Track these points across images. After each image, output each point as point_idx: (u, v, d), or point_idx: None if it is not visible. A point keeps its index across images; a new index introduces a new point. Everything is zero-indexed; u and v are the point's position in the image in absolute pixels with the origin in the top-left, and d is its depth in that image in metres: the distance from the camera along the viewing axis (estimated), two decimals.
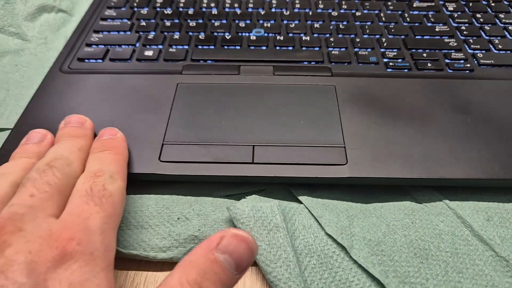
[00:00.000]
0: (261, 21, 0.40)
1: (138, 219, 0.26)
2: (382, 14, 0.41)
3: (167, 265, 0.25)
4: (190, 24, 0.40)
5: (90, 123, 0.28)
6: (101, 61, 0.36)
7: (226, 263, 0.19)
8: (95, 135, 0.28)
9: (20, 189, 0.21)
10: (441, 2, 0.43)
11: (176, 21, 0.40)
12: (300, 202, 0.27)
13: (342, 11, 0.42)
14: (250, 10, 0.42)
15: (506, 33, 0.38)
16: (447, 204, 0.27)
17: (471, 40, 0.37)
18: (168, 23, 0.40)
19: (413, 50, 0.36)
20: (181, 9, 0.42)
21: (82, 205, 0.21)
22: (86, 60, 0.36)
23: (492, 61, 0.35)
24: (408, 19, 0.40)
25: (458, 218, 0.26)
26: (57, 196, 0.21)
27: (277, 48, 0.37)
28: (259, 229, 0.24)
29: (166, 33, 0.39)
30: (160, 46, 0.37)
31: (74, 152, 0.25)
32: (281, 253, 0.23)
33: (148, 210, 0.26)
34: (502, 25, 0.39)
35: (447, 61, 0.35)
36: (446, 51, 0.36)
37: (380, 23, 0.40)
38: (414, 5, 0.42)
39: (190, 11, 0.42)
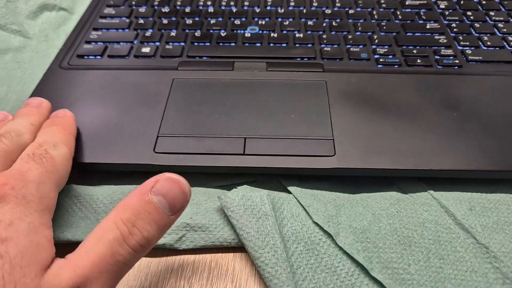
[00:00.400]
0: (256, 19, 0.41)
1: None
2: (375, 12, 0.42)
3: (160, 251, 0.26)
4: (187, 22, 0.41)
5: (47, 104, 0.30)
6: (99, 57, 0.37)
7: (160, 204, 0.20)
8: None
9: None
10: (433, 0, 0.44)
11: (173, 19, 0.41)
12: (290, 192, 0.28)
13: (336, 9, 0.43)
14: (245, 8, 0.43)
15: (496, 30, 0.39)
16: (432, 194, 0.27)
17: (460, 37, 0.38)
18: (165, 21, 0.41)
19: (404, 47, 0.37)
20: (178, 7, 0.43)
21: (23, 164, 0.23)
22: (85, 57, 0.37)
23: (481, 58, 0.36)
24: (400, 17, 0.41)
25: (442, 208, 0.27)
26: (3, 159, 0.24)
27: (271, 45, 0.38)
28: (249, 217, 0.25)
29: (163, 31, 0.40)
30: (157, 43, 0.38)
31: (26, 126, 0.27)
32: (269, 240, 0.24)
33: None
34: (492, 22, 0.40)
35: (436, 57, 0.36)
36: (436, 47, 0.37)
37: (373, 21, 0.41)
38: (407, 3, 0.43)
39: (187, 9, 0.43)
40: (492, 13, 0.41)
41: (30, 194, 0.21)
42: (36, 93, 0.33)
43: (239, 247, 0.26)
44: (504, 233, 0.25)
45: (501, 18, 0.40)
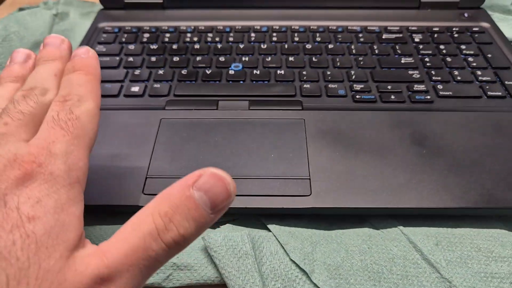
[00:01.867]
0: (240, 56, 0.44)
1: None
2: (353, 46, 0.44)
3: None
4: (174, 59, 0.43)
5: (67, 43, 0.29)
6: None
7: (201, 200, 0.19)
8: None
9: None
10: (409, 34, 0.46)
11: (161, 56, 0.44)
12: (270, 230, 0.30)
13: (316, 43, 0.45)
14: (230, 44, 0.45)
15: (466, 64, 0.41)
16: (401, 230, 0.30)
17: (433, 72, 0.40)
18: (153, 58, 0.43)
19: (379, 83, 0.39)
20: (166, 44, 0.45)
21: (49, 130, 0.22)
22: None
23: (451, 93, 0.38)
24: (377, 51, 0.43)
25: (410, 243, 0.29)
26: (31, 123, 0.23)
27: (254, 82, 0.40)
28: (230, 256, 0.27)
29: (151, 69, 0.42)
30: (146, 82, 0.40)
31: (49, 79, 0.26)
32: (248, 278, 0.26)
33: None
34: (463, 56, 0.42)
35: (409, 93, 0.38)
36: (409, 83, 0.39)
37: (351, 56, 0.43)
38: (384, 37, 0.46)
39: (174, 46, 0.45)
40: (463, 47, 0.43)
41: (57, 169, 0.20)
42: None
43: (222, 285, 0.28)
44: (467, 267, 0.27)
45: (471, 52, 0.43)
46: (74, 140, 0.22)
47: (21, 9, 0.54)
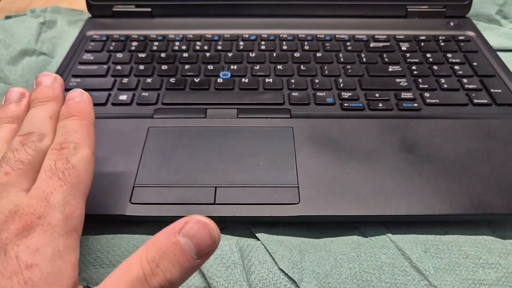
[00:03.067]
0: (228, 64, 0.44)
1: (110, 258, 0.28)
2: (341, 55, 0.45)
3: None
4: (162, 68, 0.43)
5: (59, 81, 0.30)
6: None
7: (187, 246, 0.20)
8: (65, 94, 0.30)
9: None
10: (396, 42, 0.46)
11: (149, 64, 0.43)
12: (258, 239, 0.30)
13: (304, 52, 0.45)
14: (219, 52, 0.45)
15: (452, 72, 0.42)
16: (390, 237, 0.30)
17: (420, 80, 0.41)
18: (142, 67, 0.43)
19: (367, 91, 0.40)
20: (154, 52, 0.45)
21: (47, 180, 0.23)
22: None
23: (438, 101, 0.38)
24: (364, 59, 0.44)
25: (398, 251, 0.29)
26: (30, 172, 0.24)
27: (242, 90, 0.40)
28: (218, 266, 0.27)
29: (140, 78, 0.42)
30: (134, 91, 0.40)
31: (45, 124, 0.27)
32: None
33: (120, 249, 0.29)
34: (449, 64, 0.43)
35: (397, 100, 0.39)
36: (397, 90, 0.40)
37: (339, 64, 0.43)
38: (371, 45, 0.46)
39: (163, 54, 0.45)
40: (449, 55, 0.44)
41: (55, 219, 0.21)
42: None
43: None
44: (455, 274, 0.27)
45: (458, 60, 0.43)
46: (71, 189, 0.23)
47: (7, 17, 0.53)
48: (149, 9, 0.51)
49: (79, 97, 0.29)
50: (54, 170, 0.23)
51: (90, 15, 0.52)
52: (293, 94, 0.39)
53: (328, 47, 0.46)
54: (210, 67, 0.43)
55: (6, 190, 0.22)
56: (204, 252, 0.21)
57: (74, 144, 0.25)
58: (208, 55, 0.45)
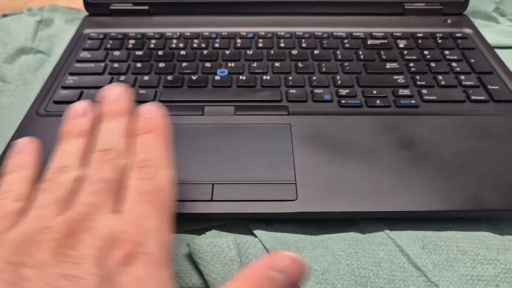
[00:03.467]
0: (226, 61, 0.44)
1: None
2: (338, 52, 0.45)
3: None
4: (160, 65, 0.43)
5: (130, 93, 0.29)
6: None
7: (280, 281, 0.20)
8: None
9: (81, 188, 0.23)
10: (393, 39, 0.46)
11: (147, 62, 0.43)
12: (256, 236, 0.29)
13: (302, 49, 0.45)
14: (216, 50, 0.45)
15: (450, 69, 0.42)
16: (388, 233, 0.30)
17: (417, 77, 0.41)
18: (139, 65, 0.43)
19: (365, 88, 0.40)
20: (152, 50, 0.45)
21: (136, 204, 0.22)
22: (62, 103, 0.38)
23: (435, 97, 0.38)
24: (362, 57, 0.44)
25: (396, 247, 0.29)
26: (114, 191, 0.23)
27: (240, 88, 0.40)
28: (215, 263, 0.27)
29: (137, 75, 0.41)
30: (132, 88, 0.40)
31: (120, 140, 0.25)
32: None
33: None
34: (447, 61, 0.43)
35: (394, 97, 0.39)
36: (394, 87, 0.40)
37: (336, 61, 0.43)
38: (369, 43, 0.46)
39: (160, 52, 0.45)
40: (447, 52, 0.44)
41: (154, 247, 0.21)
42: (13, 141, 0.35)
43: None
44: (453, 270, 0.27)
45: (455, 57, 0.43)
46: (160, 214, 0.22)
47: (4, 16, 0.53)
48: (146, 7, 0.51)
49: (153, 112, 0.28)
50: (142, 192, 0.23)
51: (87, 14, 0.52)
52: (291, 91, 0.39)
53: (325, 45, 0.46)
54: (208, 64, 0.43)
55: (96, 211, 0.21)
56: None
57: (156, 163, 0.24)
58: (205, 53, 0.45)
